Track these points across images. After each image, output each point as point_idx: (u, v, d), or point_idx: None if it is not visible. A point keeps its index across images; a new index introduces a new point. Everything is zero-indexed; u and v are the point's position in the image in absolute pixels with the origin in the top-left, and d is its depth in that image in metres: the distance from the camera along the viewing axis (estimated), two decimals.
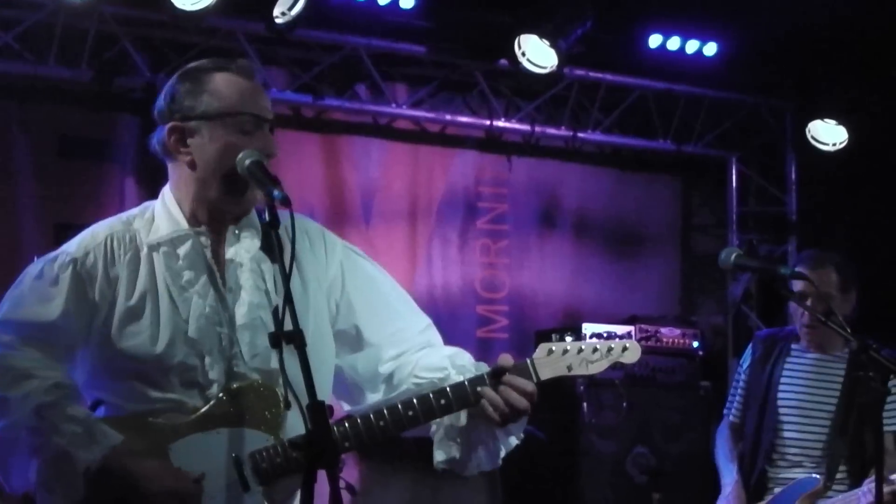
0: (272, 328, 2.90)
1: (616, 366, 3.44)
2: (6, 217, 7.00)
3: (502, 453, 3.40)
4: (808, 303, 5.17)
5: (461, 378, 3.31)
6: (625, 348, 3.43)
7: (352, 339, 3.45)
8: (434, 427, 3.36)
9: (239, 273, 3.26)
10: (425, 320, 3.53)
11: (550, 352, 3.35)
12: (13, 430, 3.07)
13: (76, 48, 6.95)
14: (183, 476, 3.11)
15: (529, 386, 3.27)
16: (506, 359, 3.31)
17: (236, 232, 3.30)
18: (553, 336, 3.42)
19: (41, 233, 6.98)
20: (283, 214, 2.97)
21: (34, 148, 7.10)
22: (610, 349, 3.41)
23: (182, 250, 3.25)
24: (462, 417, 3.32)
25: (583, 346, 3.38)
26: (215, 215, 3.29)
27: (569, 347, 3.37)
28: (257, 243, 3.26)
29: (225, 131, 3.20)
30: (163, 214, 3.30)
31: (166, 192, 3.33)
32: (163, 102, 3.29)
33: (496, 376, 3.28)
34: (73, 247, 3.26)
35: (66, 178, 7.18)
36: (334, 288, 3.42)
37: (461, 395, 3.27)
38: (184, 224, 3.27)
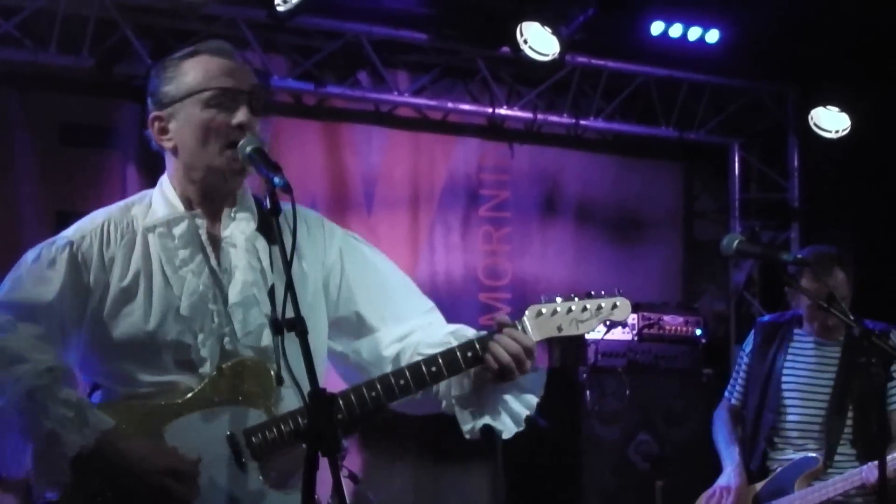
0: (266, 305, 2.93)
1: (607, 323, 3.47)
2: (7, 205, 7.00)
3: (524, 412, 3.36)
4: (812, 290, 5.17)
5: None
6: (615, 305, 3.44)
7: (353, 326, 3.44)
8: (444, 403, 3.35)
9: (233, 253, 3.27)
10: (428, 303, 3.53)
11: (540, 313, 3.35)
12: (5, 413, 3.08)
13: (77, 35, 6.94)
14: (178, 455, 3.11)
15: (527, 340, 3.27)
16: (503, 316, 3.32)
17: (232, 214, 3.32)
18: (542, 297, 3.40)
19: (42, 220, 6.99)
20: (284, 202, 2.98)
21: (35, 135, 7.10)
22: (600, 307, 3.41)
23: (177, 230, 3.26)
24: (465, 385, 3.32)
25: (572, 306, 3.37)
26: (208, 197, 3.30)
27: (558, 308, 3.36)
28: (253, 225, 3.28)
29: (195, 110, 3.22)
30: (160, 199, 3.32)
31: (164, 179, 3.36)
32: (146, 96, 3.33)
33: (487, 339, 3.27)
34: (70, 231, 3.29)
35: (67, 165, 7.18)
36: (333, 274, 3.42)
37: (451, 361, 3.26)
38: (180, 208, 3.29)
